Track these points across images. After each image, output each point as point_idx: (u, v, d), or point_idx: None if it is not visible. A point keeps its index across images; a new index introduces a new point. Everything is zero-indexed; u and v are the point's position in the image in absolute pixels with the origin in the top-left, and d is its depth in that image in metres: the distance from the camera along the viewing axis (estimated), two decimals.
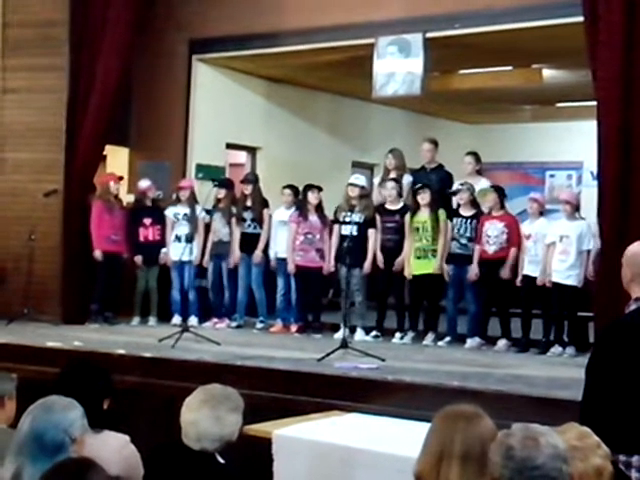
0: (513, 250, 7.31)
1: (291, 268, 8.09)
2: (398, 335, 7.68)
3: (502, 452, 2.38)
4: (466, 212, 7.59)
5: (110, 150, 9.60)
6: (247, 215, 8.38)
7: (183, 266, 8.46)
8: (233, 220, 8.44)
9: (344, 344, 6.52)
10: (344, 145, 11.49)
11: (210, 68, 9.74)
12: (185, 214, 8.48)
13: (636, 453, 3.15)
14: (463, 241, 7.53)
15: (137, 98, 9.60)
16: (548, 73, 10.31)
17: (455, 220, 7.58)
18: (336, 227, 7.93)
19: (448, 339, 7.60)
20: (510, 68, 10.50)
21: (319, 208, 8.12)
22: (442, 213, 7.57)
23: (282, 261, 8.26)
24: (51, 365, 5.62)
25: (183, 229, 8.42)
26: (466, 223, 7.53)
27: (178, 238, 8.46)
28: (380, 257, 7.71)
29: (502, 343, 7.34)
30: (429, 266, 7.53)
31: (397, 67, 8.29)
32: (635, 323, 3.32)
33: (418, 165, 8.54)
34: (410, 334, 7.68)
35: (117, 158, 9.92)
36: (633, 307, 3.39)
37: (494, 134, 13.31)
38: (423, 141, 8.43)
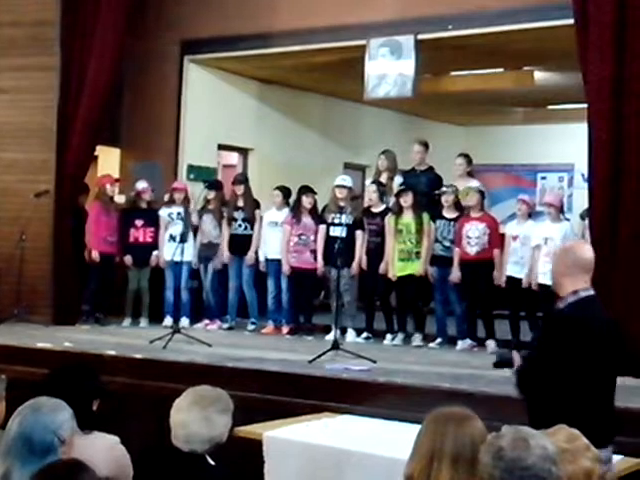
0: (497, 252, 7.33)
1: (286, 269, 8.08)
2: (389, 337, 7.68)
3: (492, 453, 2.39)
4: (449, 214, 7.61)
5: (101, 150, 9.59)
6: (238, 215, 8.37)
7: (177, 266, 8.45)
8: (223, 221, 8.43)
9: (335, 346, 6.53)
10: (336, 146, 11.49)
11: (202, 69, 9.72)
12: (179, 213, 8.48)
13: (602, 447, 3.22)
14: (446, 243, 7.55)
15: (128, 98, 9.59)
16: (540, 75, 10.33)
17: (438, 222, 7.60)
18: (322, 228, 7.93)
19: (439, 341, 7.60)
20: (502, 70, 10.52)
21: (313, 210, 8.12)
22: (426, 216, 7.58)
23: (272, 262, 8.24)
24: (41, 366, 5.60)
25: (177, 228, 8.39)
26: (449, 225, 7.56)
27: (172, 238, 8.44)
28: (364, 260, 7.72)
29: (492, 345, 7.34)
30: (412, 268, 7.54)
31: (389, 69, 8.29)
32: (577, 316, 3.49)
33: (409, 166, 8.54)
34: (400, 335, 7.68)
35: (108, 158, 9.90)
36: (571, 300, 3.52)
37: (486, 136, 13.32)
38: (413, 143, 8.44)
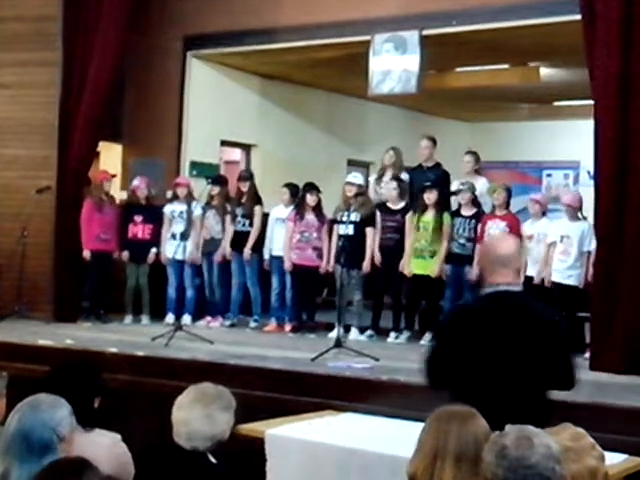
0: None
1: (288, 266, 8.06)
2: (393, 335, 7.64)
3: (496, 451, 2.38)
4: (466, 212, 7.57)
5: (103, 146, 9.56)
6: (239, 211, 8.35)
7: (180, 264, 8.42)
8: (227, 217, 8.41)
9: (338, 343, 6.50)
10: (339, 143, 11.47)
11: (204, 64, 9.70)
12: (181, 211, 8.46)
13: None
14: (462, 241, 7.50)
15: (131, 94, 9.57)
16: (545, 71, 10.30)
17: (455, 220, 7.55)
18: (335, 227, 7.90)
19: None
20: (507, 66, 10.49)
21: (317, 207, 8.10)
22: (447, 216, 7.52)
23: (277, 259, 8.23)
24: (42, 363, 5.59)
25: (179, 227, 8.39)
26: (465, 223, 7.51)
27: (173, 236, 8.43)
28: (378, 256, 7.68)
29: None
30: (426, 267, 7.49)
31: (393, 64, 8.26)
32: (480, 308, 3.56)
33: (413, 163, 8.50)
34: (405, 334, 7.64)
35: (110, 155, 9.88)
36: (483, 293, 3.58)
37: (491, 132, 13.31)
38: (421, 138, 8.40)
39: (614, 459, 4.02)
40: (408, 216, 7.63)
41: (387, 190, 7.90)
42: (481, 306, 3.59)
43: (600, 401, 5.01)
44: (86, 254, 8.37)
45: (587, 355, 6.48)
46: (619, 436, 4.39)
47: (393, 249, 7.63)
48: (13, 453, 2.71)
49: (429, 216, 7.52)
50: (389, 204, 7.83)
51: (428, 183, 7.65)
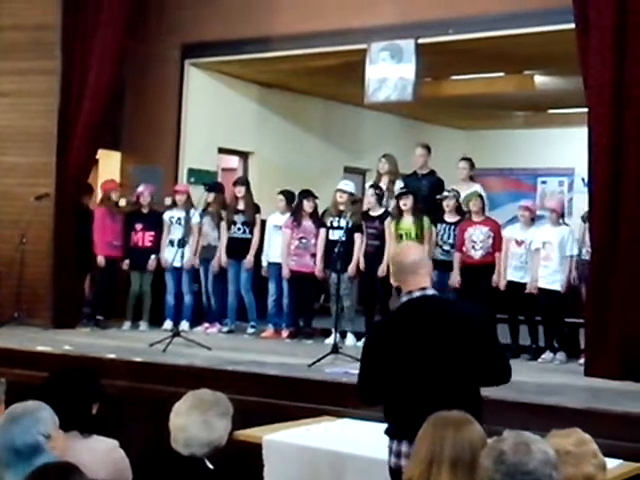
0: (499, 255, 7.32)
1: (286, 273, 8.08)
2: None
3: (493, 457, 2.39)
4: (450, 218, 7.60)
5: (102, 154, 9.58)
6: (238, 219, 8.37)
7: (177, 270, 8.45)
8: (222, 224, 8.43)
9: (335, 349, 6.52)
10: (336, 150, 11.49)
11: (202, 72, 9.73)
12: (179, 218, 8.49)
13: (405, 439, 3.31)
14: (446, 247, 7.53)
15: (129, 102, 9.59)
16: (540, 79, 10.34)
17: (439, 226, 7.59)
18: (322, 231, 7.94)
19: None
20: (502, 74, 10.53)
21: (314, 213, 8.13)
22: (426, 220, 7.56)
23: (274, 265, 8.25)
24: (41, 369, 5.61)
25: (177, 233, 8.41)
26: (449, 229, 7.55)
27: (171, 242, 8.46)
28: (362, 262, 7.72)
29: None
30: None
31: (389, 73, 8.30)
32: (398, 319, 3.59)
33: (409, 171, 8.54)
34: None
35: (109, 162, 9.90)
36: (399, 304, 3.61)
37: (486, 140, 13.33)
38: (416, 146, 8.43)
39: (609, 464, 4.02)
40: (387, 222, 7.67)
41: (365, 197, 7.97)
42: (399, 316, 3.59)
43: (595, 406, 5.03)
44: (100, 261, 8.43)
45: (582, 361, 6.52)
46: (614, 441, 4.40)
47: (374, 255, 7.67)
48: (3, 463, 2.76)
49: (408, 223, 7.55)
50: (370, 211, 7.88)
51: (403, 189, 7.69)
